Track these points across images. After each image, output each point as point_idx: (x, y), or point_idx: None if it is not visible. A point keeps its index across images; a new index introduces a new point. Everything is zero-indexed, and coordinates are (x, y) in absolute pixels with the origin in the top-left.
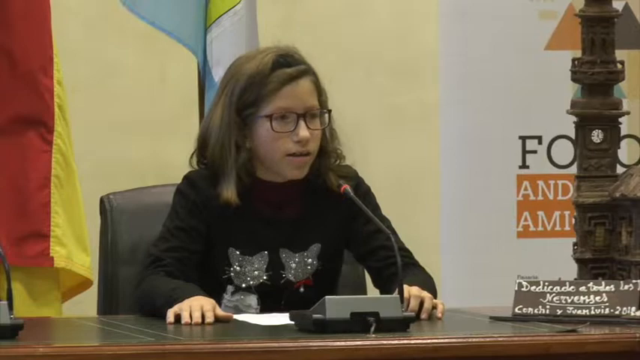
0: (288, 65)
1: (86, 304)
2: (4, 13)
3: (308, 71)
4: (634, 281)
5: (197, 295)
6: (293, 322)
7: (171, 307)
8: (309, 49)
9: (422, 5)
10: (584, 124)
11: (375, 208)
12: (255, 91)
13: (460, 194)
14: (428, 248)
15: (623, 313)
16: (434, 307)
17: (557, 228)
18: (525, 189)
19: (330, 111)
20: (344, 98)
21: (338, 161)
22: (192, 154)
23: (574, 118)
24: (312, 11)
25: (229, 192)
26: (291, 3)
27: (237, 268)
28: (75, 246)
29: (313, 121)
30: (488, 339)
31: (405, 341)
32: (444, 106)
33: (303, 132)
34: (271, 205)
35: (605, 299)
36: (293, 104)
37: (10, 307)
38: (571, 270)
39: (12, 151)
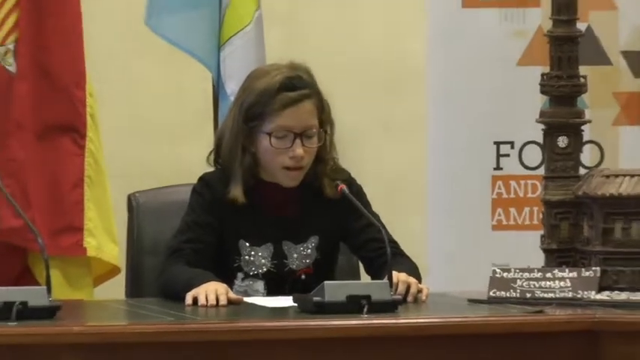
0: (293, 89)
1: (115, 289)
2: (42, 34)
3: (310, 95)
4: (594, 268)
5: (212, 280)
6: (296, 305)
7: (189, 291)
8: (309, 66)
9: (411, 27)
10: (551, 131)
11: (367, 205)
12: (260, 108)
13: (444, 192)
14: (415, 240)
15: (584, 296)
16: (419, 291)
17: (527, 222)
18: (499, 188)
19: (327, 129)
20: (340, 109)
21: (334, 167)
22: (210, 153)
23: (542, 126)
24: (312, 33)
25: (236, 191)
26: (293, 25)
27: (246, 257)
28: (105, 237)
29: (309, 140)
30: (466, 319)
31: (394, 321)
32: (430, 116)
33: (299, 150)
34: (274, 204)
35: (569, 284)
36: (292, 124)
37: (49, 291)
38: (539, 259)
39: (50, 154)
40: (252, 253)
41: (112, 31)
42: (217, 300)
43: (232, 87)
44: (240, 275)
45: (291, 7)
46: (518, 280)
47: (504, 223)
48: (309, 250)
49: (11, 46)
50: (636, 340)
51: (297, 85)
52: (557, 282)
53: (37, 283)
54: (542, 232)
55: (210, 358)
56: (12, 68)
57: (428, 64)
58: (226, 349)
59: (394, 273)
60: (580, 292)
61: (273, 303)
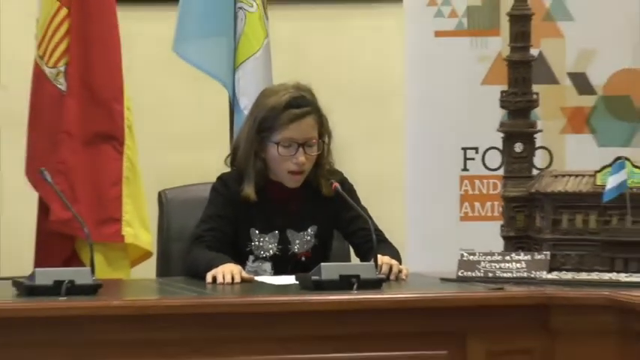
0: (297, 106)
1: (147, 270)
2: (88, 58)
3: (312, 112)
4: (544, 253)
5: (228, 262)
6: (297, 282)
7: (209, 271)
8: (306, 82)
9: (392, 52)
10: (509, 139)
11: (357, 200)
12: (270, 121)
13: (420, 189)
14: (396, 228)
15: (536, 276)
16: (400, 272)
17: (489, 214)
18: (466, 186)
19: (325, 139)
20: (335, 121)
21: (330, 169)
22: (227, 157)
23: (502, 135)
24: (311, 58)
25: (249, 190)
26: (296, 52)
27: (256, 243)
28: (139, 227)
29: (310, 149)
30: (439, 294)
31: (379, 296)
32: (408, 126)
33: (301, 158)
34: (280, 199)
35: (524, 265)
36: (296, 136)
37: (92, 271)
38: (499, 245)
39: (94, 158)
40: (261, 239)
41: (146, 56)
42: (232, 278)
43: (245, 102)
44: (251, 258)
45: (294, 36)
46: (482, 262)
47: (470, 215)
48: (308, 237)
49: (62, 69)
50: (579, 311)
51: (301, 103)
52: (514, 264)
53: (82, 265)
54: (501, 222)
55: (226, 327)
56: (63, 87)
57: (407, 83)
58: (239, 319)
59: (379, 256)
60: (533, 272)
61: (278, 281)
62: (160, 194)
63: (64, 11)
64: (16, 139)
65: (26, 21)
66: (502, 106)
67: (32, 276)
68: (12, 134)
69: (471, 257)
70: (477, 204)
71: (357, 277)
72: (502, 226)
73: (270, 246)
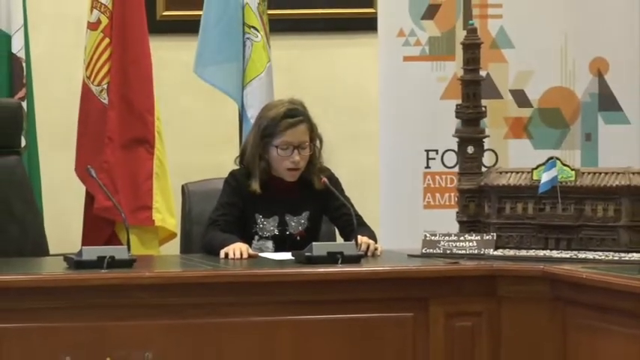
0: (292, 117)
1: (173, 248)
2: (125, 77)
3: (304, 120)
4: (491, 234)
5: (237, 242)
6: (293, 258)
7: (222, 249)
8: (300, 97)
9: (369, 73)
10: (463, 143)
11: (342, 191)
12: (271, 129)
13: (391, 184)
14: (373, 215)
15: (485, 252)
16: (375, 249)
17: (447, 203)
18: (428, 180)
19: (316, 143)
20: (321, 127)
21: (320, 166)
22: (237, 157)
23: (457, 139)
24: (304, 78)
25: (255, 185)
26: (292, 73)
27: (260, 225)
28: (167, 213)
29: (304, 151)
30: (407, 267)
31: (358, 269)
32: (382, 133)
33: (296, 157)
34: (280, 190)
35: (475, 244)
36: (292, 140)
37: (128, 249)
38: (455, 227)
39: (130, 159)
40: (264, 222)
41: (172, 76)
42: (241, 255)
43: (251, 113)
44: (256, 237)
45: (290, 61)
46: (441, 242)
47: (432, 204)
48: (302, 221)
49: (105, 86)
50: (520, 281)
51: (296, 114)
52: (467, 243)
53: (120, 244)
54: (457, 210)
55: (235, 293)
56: (105, 101)
57: (380, 98)
58: (246, 287)
59: (359, 237)
60: (482, 249)
61: (278, 257)
62: (183, 187)
63: (106, 41)
64: (61, 143)
65: (76, 48)
66: (457, 117)
67: (80, 253)
68: (58, 139)
69: (433, 237)
70: (437, 195)
71: (341, 253)
72: (457, 212)
73: (271, 228)
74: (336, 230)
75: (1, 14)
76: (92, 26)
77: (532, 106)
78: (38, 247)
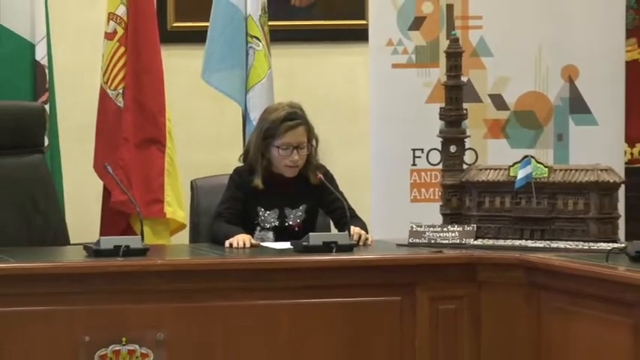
0: (291, 119)
1: (182, 238)
2: (139, 83)
3: (302, 123)
4: (472, 225)
5: (241, 233)
6: (292, 247)
7: (227, 239)
8: (298, 101)
9: (361, 79)
10: (446, 142)
11: (336, 186)
12: (272, 131)
13: (381, 179)
14: (364, 208)
15: (466, 242)
16: (366, 239)
17: (432, 197)
18: (415, 177)
19: (313, 143)
20: (317, 129)
21: (316, 164)
22: (241, 156)
23: (440, 139)
24: (301, 83)
25: (257, 181)
26: (291, 79)
27: (262, 217)
28: (177, 206)
29: (302, 150)
30: (395, 256)
31: (351, 257)
32: (372, 133)
33: (295, 156)
34: (280, 185)
35: (457, 235)
36: (291, 141)
37: (142, 239)
38: (439, 219)
39: (143, 157)
40: (266, 214)
41: (181, 82)
42: (244, 244)
43: (254, 115)
44: (258, 228)
45: (289, 68)
46: (426, 232)
47: (418, 198)
48: (300, 213)
49: (121, 91)
50: (497, 268)
51: (294, 117)
52: (450, 233)
53: (135, 234)
54: (440, 203)
55: (239, 280)
56: (121, 104)
57: (371, 102)
58: (249, 274)
59: (351, 228)
60: (464, 239)
61: (277, 246)
62: (191, 182)
63: (121, 49)
64: (81, 142)
65: (95, 56)
66: (441, 119)
67: (98, 242)
68: (78, 139)
69: (419, 228)
70: (423, 190)
71: (336, 243)
72: (441, 206)
73: (272, 220)
74: (331, 222)
75: (25, 25)
76: (109, 36)
77: (509, 109)
78: (60, 237)
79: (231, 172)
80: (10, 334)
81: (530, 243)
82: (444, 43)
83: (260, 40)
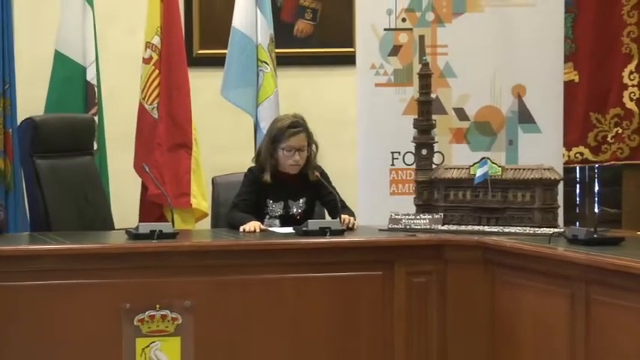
0: (294, 127)
1: (205, 224)
2: (170, 97)
3: (303, 130)
4: (440, 214)
5: (253, 220)
6: (294, 231)
7: (242, 225)
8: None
9: (350, 96)
10: (419, 147)
11: (330, 182)
12: (278, 137)
13: (366, 177)
14: (352, 200)
15: (435, 228)
16: (354, 225)
17: (407, 191)
18: (393, 174)
19: (312, 147)
20: (315, 135)
21: (314, 164)
22: (253, 157)
23: (414, 144)
24: (302, 100)
25: (267, 177)
26: (292, 96)
27: (270, 208)
28: (201, 198)
29: (303, 152)
30: (378, 238)
31: (342, 239)
32: (359, 139)
33: (297, 157)
34: (285, 181)
35: (427, 221)
36: (294, 144)
37: (172, 225)
38: (413, 209)
39: (174, 159)
40: (273, 205)
41: (204, 97)
42: (255, 230)
43: (263, 125)
44: (267, 217)
45: (292, 86)
46: (403, 219)
47: (396, 191)
48: (301, 204)
49: (155, 105)
50: (460, 249)
51: (297, 125)
52: (422, 220)
53: (167, 221)
54: (414, 196)
55: (251, 258)
56: (156, 116)
57: (358, 114)
58: (259, 253)
59: (342, 216)
60: (433, 225)
61: (282, 231)
62: (212, 179)
63: (156, 72)
64: (123, 147)
65: (135, 77)
66: (414, 127)
67: (137, 228)
68: (121, 144)
69: (397, 216)
70: (400, 185)
71: (329, 228)
72: (414, 198)
73: (278, 209)
74: (326, 211)
75: (78, 52)
76: (146, 61)
77: (469, 120)
78: (106, 223)
79: (245, 171)
80: (65, 303)
81: (486, 228)
82: (417, 67)
83: (268, 64)
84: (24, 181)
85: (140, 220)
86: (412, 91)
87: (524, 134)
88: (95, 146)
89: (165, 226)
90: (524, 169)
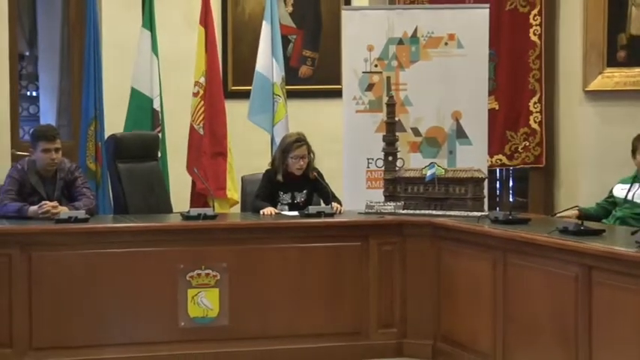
0: (298, 141)
1: (236, 209)
2: (212, 120)
3: (305, 144)
4: (402, 202)
5: (270, 207)
6: (299, 215)
7: (262, 210)
8: (302, 131)
9: (337, 120)
10: (387, 154)
11: (323, 180)
12: (287, 148)
13: (349, 176)
14: (339, 192)
15: (398, 211)
16: (341, 210)
17: (378, 186)
18: (369, 174)
19: (312, 155)
20: (313, 147)
21: (313, 167)
22: (269, 162)
23: (383, 153)
24: (304, 122)
25: (279, 177)
26: (298, 120)
27: (281, 197)
28: (234, 191)
29: (304, 159)
30: (357, 219)
31: (332, 220)
32: (344, 151)
33: (301, 163)
34: (292, 180)
35: (393, 207)
36: (298, 154)
37: (213, 209)
38: (382, 198)
39: (215, 163)
40: (284, 196)
41: (236, 121)
42: (271, 213)
43: (277, 140)
44: (279, 204)
45: (298, 113)
46: (375, 205)
47: (371, 186)
48: (303, 195)
49: (201, 125)
50: (415, 227)
51: (300, 140)
52: (388, 207)
53: (209, 207)
54: (383, 189)
55: (269, 233)
56: (202, 133)
57: (344, 134)
58: (275, 229)
59: (332, 203)
60: (397, 210)
61: (290, 214)
62: (242, 178)
63: (202, 102)
64: (179, 155)
65: (186, 107)
66: (383, 141)
67: (188, 211)
68: (178, 153)
69: (371, 203)
70: (374, 182)
71: (324, 212)
72: (383, 191)
73: (287, 199)
74: (321, 200)
75: (147, 88)
76: (195, 95)
77: (422, 136)
78: (167, 208)
79: (263, 172)
80: (139, 265)
81: (434, 212)
82: (385, 99)
83: (280, 97)
84: (109, 178)
85: (190, 206)
86: (382, 116)
87: (460, 146)
88: (159, 155)
89: (208, 211)
90: (460, 171)
